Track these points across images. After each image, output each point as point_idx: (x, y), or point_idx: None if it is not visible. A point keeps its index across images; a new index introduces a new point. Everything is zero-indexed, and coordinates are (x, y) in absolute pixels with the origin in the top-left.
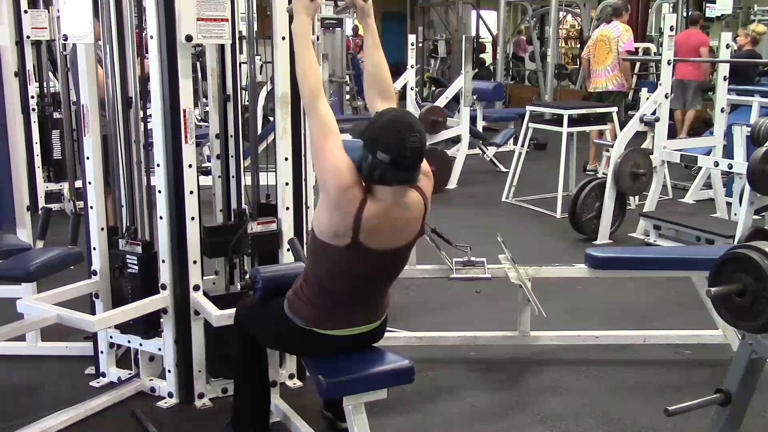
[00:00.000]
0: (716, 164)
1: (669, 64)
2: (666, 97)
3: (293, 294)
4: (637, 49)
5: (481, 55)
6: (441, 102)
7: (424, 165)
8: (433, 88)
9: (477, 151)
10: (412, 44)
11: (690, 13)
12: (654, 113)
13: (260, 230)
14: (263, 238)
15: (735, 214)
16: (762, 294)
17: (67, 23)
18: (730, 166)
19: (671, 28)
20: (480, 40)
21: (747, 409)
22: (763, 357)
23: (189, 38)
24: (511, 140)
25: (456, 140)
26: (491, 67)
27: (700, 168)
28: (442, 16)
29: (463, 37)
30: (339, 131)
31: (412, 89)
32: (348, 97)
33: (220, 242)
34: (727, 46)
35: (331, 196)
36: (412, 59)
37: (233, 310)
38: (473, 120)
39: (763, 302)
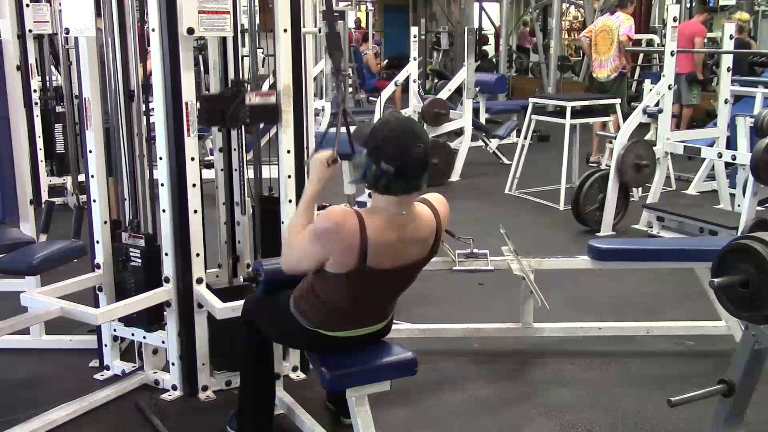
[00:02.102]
0: (720, 155)
1: (672, 55)
2: (669, 88)
3: (299, 296)
4: (639, 40)
5: (484, 47)
6: (443, 94)
7: (441, 197)
8: (436, 81)
9: (480, 143)
10: (415, 36)
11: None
12: (657, 104)
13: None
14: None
15: (738, 205)
16: (765, 284)
17: (69, 16)
18: (734, 157)
19: (674, 19)
20: (483, 32)
21: (750, 400)
22: (766, 348)
23: (191, 31)
24: (514, 132)
25: (459, 132)
26: (494, 59)
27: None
28: (445, 7)
29: (465, 29)
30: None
31: (414, 81)
32: (351, 90)
33: None
34: (731, 37)
35: (332, 240)
36: (414, 51)
37: (236, 303)
38: (476, 112)
39: (766, 293)
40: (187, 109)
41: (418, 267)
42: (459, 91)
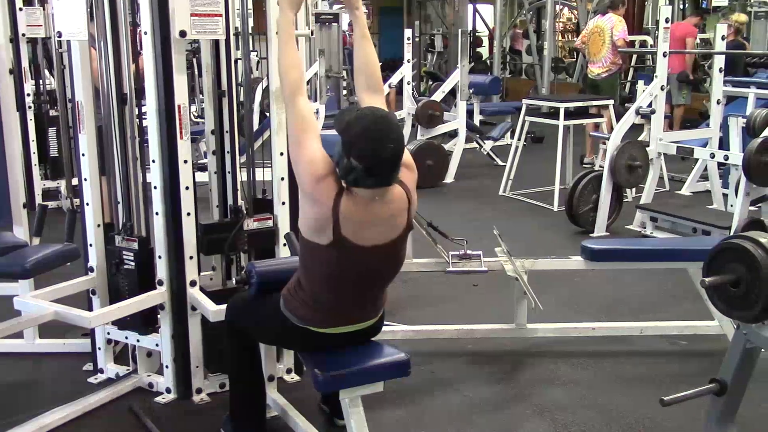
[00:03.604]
0: (712, 156)
1: (664, 56)
2: (662, 89)
3: (288, 292)
4: (633, 41)
5: (478, 49)
6: (437, 96)
7: (407, 158)
8: (431, 83)
9: (474, 145)
10: (409, 39)
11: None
12: (650, 105)
13: (256, 227)
14: (259, 235)
15: (731, 206)
16: (755, 284)
17: (62, 20)
18: (726, 158)
19: (666, 20)
20: (477, 34)
21: (742, 399)
22: (757, 347)
23: (183, 34)
24: (508, 134)
25: (453, 134)
26: (488, 61)
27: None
28: (439, 10)
29: (459, 31)
30: (317, 128)
31: (408, 83)
32: (345, 92)
33: (216, 240)
34: (723, 38)
35: (306, 189)
36: (408, 54)
37: None
38: (470, 114)
39: (757, 292)
40: (179, 111)
41: (396, 245)
42: (453, 92)
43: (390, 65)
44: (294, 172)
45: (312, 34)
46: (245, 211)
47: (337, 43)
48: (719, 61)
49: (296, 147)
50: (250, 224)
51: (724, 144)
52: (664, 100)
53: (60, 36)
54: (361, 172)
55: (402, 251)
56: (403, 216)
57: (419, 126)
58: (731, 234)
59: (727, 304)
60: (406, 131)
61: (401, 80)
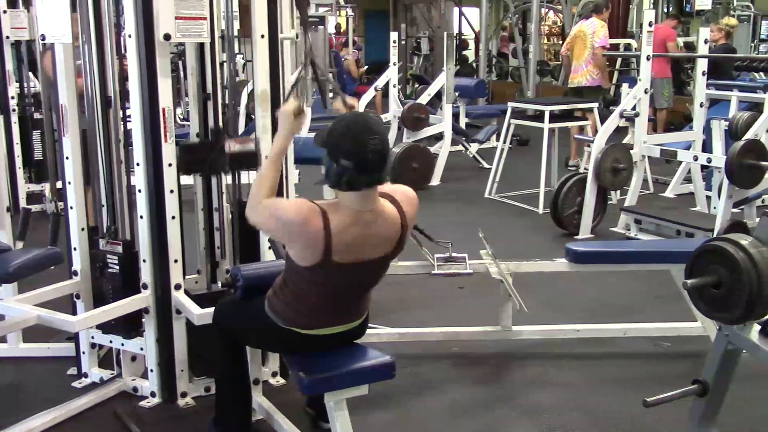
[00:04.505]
0: (695, 158)
1: (648, 59)
2: (645, 92)
3: (273, 294)
4: (617, 44)
5: (464, 52)
6: (423, 99)
7: (410, 192)
8: (417, 86)
9: (460, 147)
10: (394, 42)
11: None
12: (633, 108)
13: (238, 149)
14: (241, 157)
15: (714, 208)
16: (736, 286)
17: (45, 22)
18: (709, 160)
19: (650, 24)
20: (463, 37)
21: (724, 399)
22: (738, 348)
23: (167, 37)
24: (494, 137)
25: (439, 137)
26: (474, 64)
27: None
28: (425, 13)
29: (445, 34)
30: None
31: (394, 86)
32: (331, 95)
33: (196, 160)
34: (705, 41)
35: (296, 231)
36: (394, 56)
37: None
38: (456, 117)
39: (738, 294)
40: (164, 115)
41: (383, 263)
42: (439, 95)
43: (376, 68)
44: (278, 238)
45: (297, 37)
46: (226, 133)
47: (322, 45)
48: (702, 65)
49: (271, 215)
50: (232, 146)
51: (707, 147)
52: (649, 103)
53: (44, 39)
54: (352, 171)
55: (384, 270)
56: (394, 235)
57: (405, 129)
58: (714, 236)
59: (708, 306)
60: (392, 134)
61: (387, 83)
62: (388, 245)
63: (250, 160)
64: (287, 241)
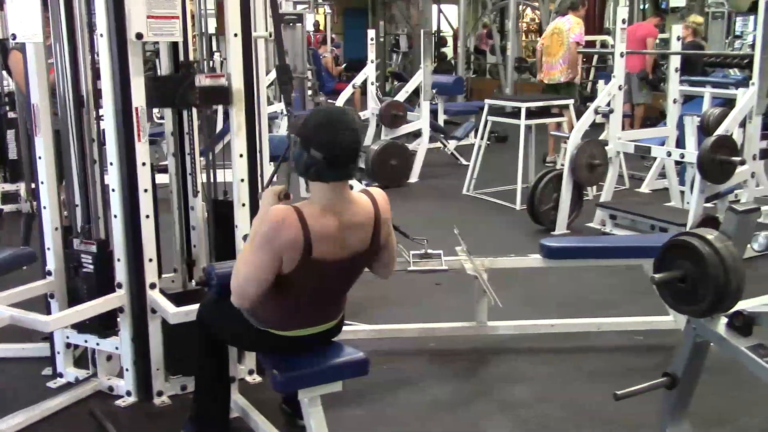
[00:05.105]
0: (669, 154)
1: (622, 56)
2: (620, 88)
3: None
4: (593, 41)
5: (443, 49)
6: (401, 96)
7: (382, 192)
8: (395, 83)
9: (438, 144)
10: (372, 39)
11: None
12: (608, 104)
13: (209, 84)
14: (212, 91)
15: (688, 203)
16: (702, 279)
17: (16, 22)
18: (683, 156)
19: (623, 21)
20: (441, 34)
21: (694, 391)
22: (706, 340)
23: (139, 36)
24: (472, 133)
25: (417, 134)
26: (452, 61)
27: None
28: (404, 10)
29: (422, 31)
30: None
31: (372, 84)
32: (310, 93)
33: (167, 91)
34: (678, 38)
35: (280, 240)
36: (372, 54)
37: (190, 308)
38: (434, 114)
39: (704, 287)
40: (137, 114)
41: (361, 260)
42: (417, 92)
43: (355, 66)
44: (273, 261)
45: (270, 36)
46: (197, 66)
47: (301, 43)
48: (675, 61)
49: (255, 251)
50: (203, 80)
51: (681, 142)
52: (624, 100)
53: (14, 38)
54: (322, 163)
55: (361, 269)
56: (366, 229)
57: (383, 126)
58: (686, 231)
59: (676, 300)
60: (370, 131)
61: (365, 81)
62: (364, 236)
63: (222, 95)
64: (279, 253)
